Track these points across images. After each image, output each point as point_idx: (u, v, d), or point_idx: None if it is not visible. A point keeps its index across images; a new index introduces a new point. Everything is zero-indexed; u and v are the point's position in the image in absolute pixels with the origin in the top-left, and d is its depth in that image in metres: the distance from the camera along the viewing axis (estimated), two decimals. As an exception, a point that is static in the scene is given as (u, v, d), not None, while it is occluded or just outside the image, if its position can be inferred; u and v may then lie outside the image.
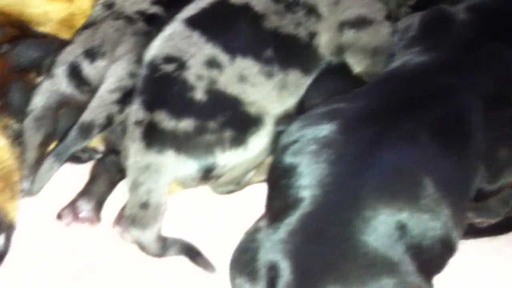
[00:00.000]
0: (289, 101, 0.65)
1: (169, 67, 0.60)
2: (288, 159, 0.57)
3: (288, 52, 0.65)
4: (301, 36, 0.66)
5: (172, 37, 0.62)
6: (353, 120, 0.58)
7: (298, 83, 0.66)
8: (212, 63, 0.61)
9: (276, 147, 0.62)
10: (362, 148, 0.55)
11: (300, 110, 0.67)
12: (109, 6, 0.70)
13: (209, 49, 0.61)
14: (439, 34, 0.68)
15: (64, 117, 0.65)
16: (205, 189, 0.66)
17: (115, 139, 0.65)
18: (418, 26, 0.70)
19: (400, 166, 0.54)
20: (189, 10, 0.64)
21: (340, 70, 0.70)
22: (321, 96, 0.68)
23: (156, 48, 0.62)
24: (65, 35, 0.72)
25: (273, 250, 0.53)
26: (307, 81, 0.67)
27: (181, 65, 0.60)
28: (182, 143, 0.58)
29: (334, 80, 0.70)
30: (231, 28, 0.63)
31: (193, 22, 0.63)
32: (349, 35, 0.67)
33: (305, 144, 0.57)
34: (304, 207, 0.53)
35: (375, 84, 0.65)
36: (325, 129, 0.57)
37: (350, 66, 0.69)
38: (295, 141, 0.58)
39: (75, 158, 0.66)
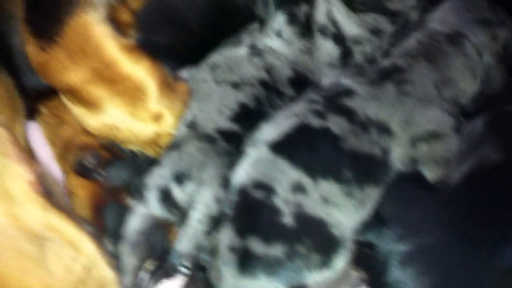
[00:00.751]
0: (365, 214, 0.68)
1: (258, 193, 0.64)
2: (393, 273, 0.60)
3: (364, 170, 0.68)
4: (376, 153, 0.69)
5: (258, 163, 0.67)
6: (452, 230, 0.61)
7: (374, 197, 0.69)
8: (298, 188, 0.65)
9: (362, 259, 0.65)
10: (471, 254, 0.58)
11: (375, 217, 0.71)
12: (191, 126, 0.75)
13: (294, 174, 0.65)
14: (508, 134, 0.71)
15: (156, 234, 0.70)
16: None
17: (203, 257, 0.68)
18: (484, 128, 0.73)
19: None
20: (271, 133, 0.69)
21: (411, 177, 0.74)
22: (396, 202, 0.72)
23: (244, 173, 0.66)
24: (150, 152, 0.77)
25: None
26: (380, 191, 0.70)
27: (269, 191, 0.64)
28: (273, 268, 0.62)
29: (406, 186, 0.73)
30: (312, 152, 0.67)
31: (277, 147, 0.67)
32: (422, 149, 0.71)
33: (409, 255, 0.60)
34: None
35: (457, 190, 0.68)
36: (427, 240, 0.60)
37: (423, 174, 0.72)
38: (393, 254, 0.61)
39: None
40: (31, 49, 0.69)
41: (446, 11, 0.82)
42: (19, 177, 0.61)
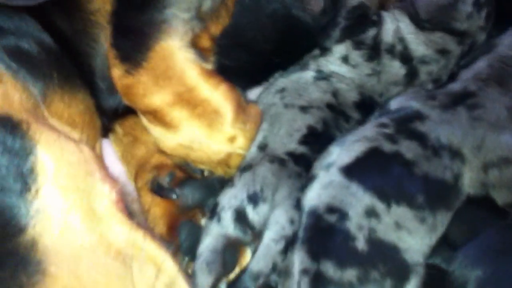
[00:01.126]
0: (436, 238, 0.69)
1: (331, 218, 0.65)
2: None
3: (437, 195, 0.69)
4: (448, 178, 0.69)
5: (329, 186, 0.68)
6: None
7: (445, 222, 0.69)
8: (371, 213, 0.65)
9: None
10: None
11: (443, 240, 0.71)
12: (262, 148, 0.77)
13: (367, 199, 0.66)
14: None
15: (228, 253, 0.72)
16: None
17: (272, 278, 0.70)
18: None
19: None
20: (342, 156, 0.70)
21: (481, 201, 0.74)
22: (467, 226, 0.72)
23: (315, 196, 0.68)
24: (219, 171, 0.79)
25: None
26: (450, 216, 0.70)
27: (342, 215, 0.65)
28: (346, 292, 0.63)
29: (476, 210, 0.73)
30: (385, 177, 0.68)
31: (349, 171, 0.68)
32: (493, 174, 0.71)
33: (486, 279, 0.61)
34: None
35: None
36: (504, 264, 0.61)
37: (494, 198, 0.72)
38: (469, 278, 0.62)
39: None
40: (117, 72, 0.72)
41: (517, 35, 0.82)
42: (103, 195, 0.64)
